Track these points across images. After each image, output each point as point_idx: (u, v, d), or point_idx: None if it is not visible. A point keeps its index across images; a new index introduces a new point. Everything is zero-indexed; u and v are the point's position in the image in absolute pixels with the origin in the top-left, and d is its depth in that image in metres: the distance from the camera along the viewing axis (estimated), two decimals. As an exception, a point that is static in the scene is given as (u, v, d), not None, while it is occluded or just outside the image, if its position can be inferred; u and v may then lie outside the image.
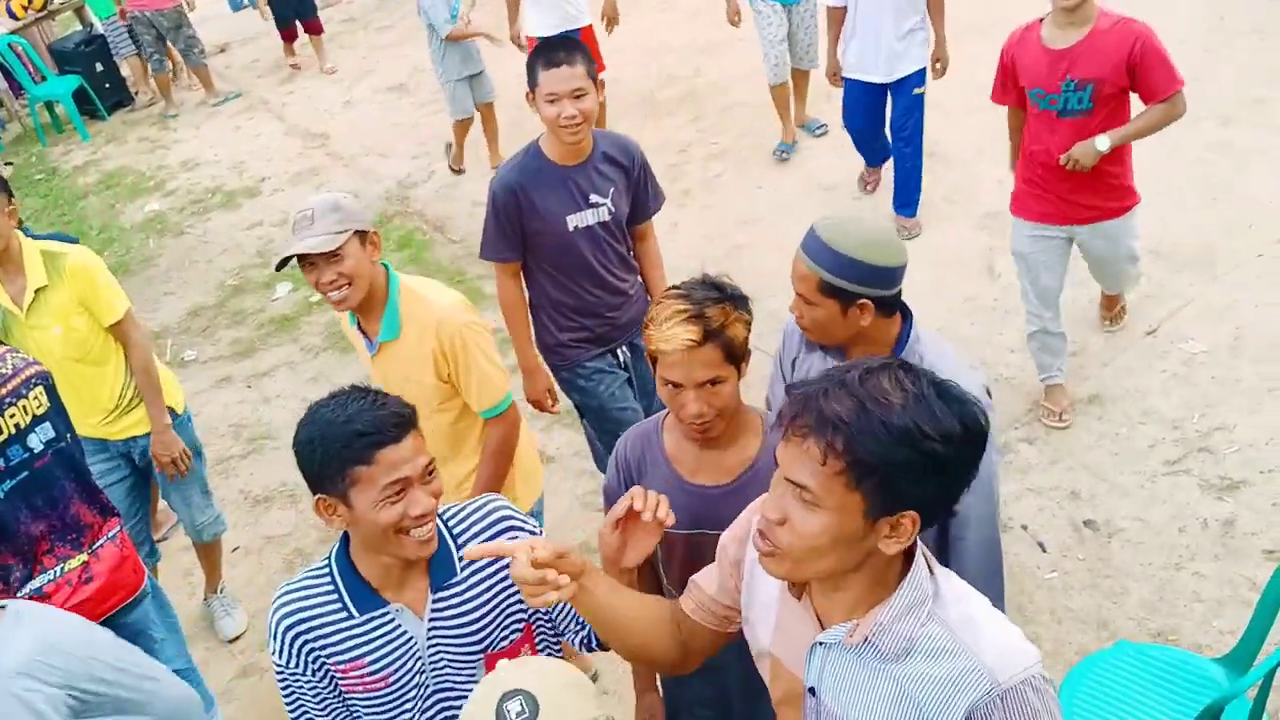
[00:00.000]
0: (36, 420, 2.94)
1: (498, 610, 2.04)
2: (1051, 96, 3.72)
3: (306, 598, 1.99)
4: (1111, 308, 4.61)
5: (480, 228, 6.88)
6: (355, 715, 2.08)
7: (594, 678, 3.40)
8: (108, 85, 10.25)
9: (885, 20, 5.13)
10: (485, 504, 2.09)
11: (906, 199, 5.62)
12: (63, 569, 3.01)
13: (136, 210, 8.18)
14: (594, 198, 3.39)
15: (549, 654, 2.14)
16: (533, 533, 2.06)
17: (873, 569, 1.48)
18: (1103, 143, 3.65)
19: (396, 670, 2.00)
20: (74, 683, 2.06)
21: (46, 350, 3.37)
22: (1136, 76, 3.60)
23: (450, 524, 2.04)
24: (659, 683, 2.56)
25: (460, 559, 2.00)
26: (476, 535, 2.03)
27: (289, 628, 1.98)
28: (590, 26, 6.26)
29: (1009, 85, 3.92)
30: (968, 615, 1.49)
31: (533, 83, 3.24)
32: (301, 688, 2.03)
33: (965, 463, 1.43)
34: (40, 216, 8.45)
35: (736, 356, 2.10)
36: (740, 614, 1.80)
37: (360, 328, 2.94)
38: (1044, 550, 3.73)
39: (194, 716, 2.37)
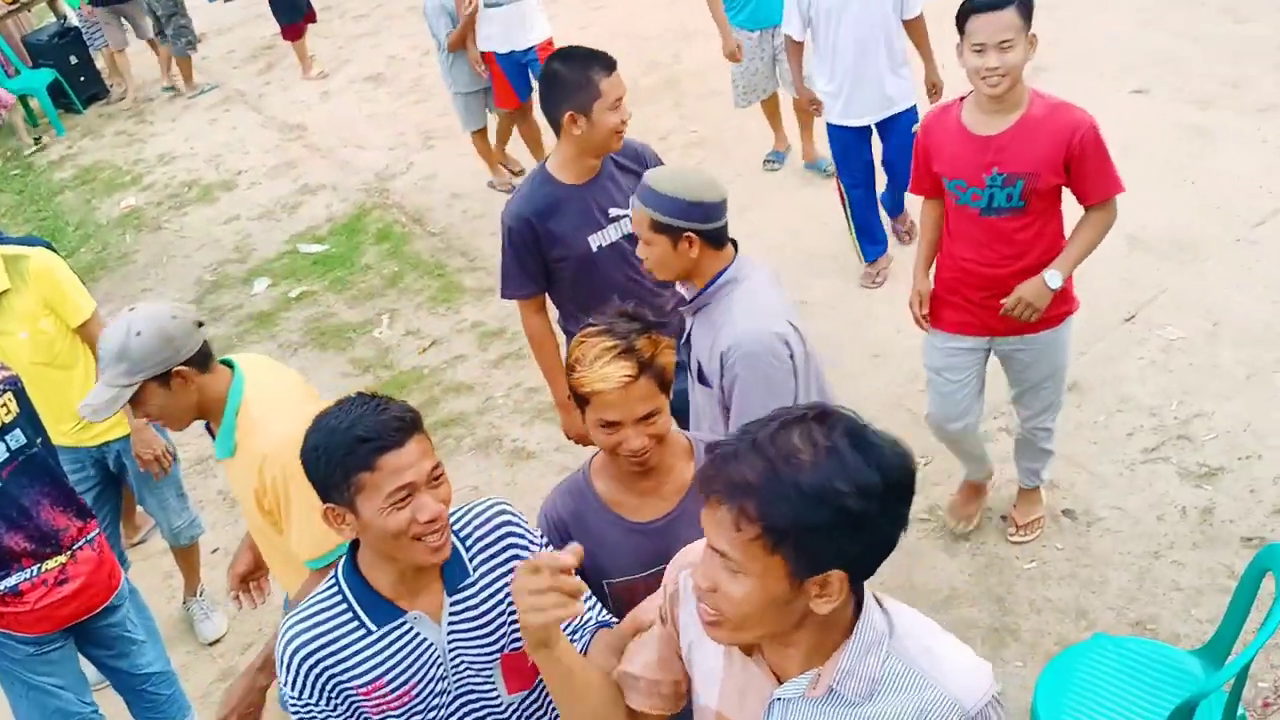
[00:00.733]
0: (5, 428, 2.92)
1: (511, 609, 1.99)
2: (975, 191, 3.11)
3: (319, 622, 1.92)
4: (1025, 514, 3.75)
5: (458, 220, 6.87)
6: None
7: None
8: (82, 78, 10.16)
9: (864, 54, 4.65)
10: (487, 505, 2.05)
11: (894, 202, 5.36)
12: (39, 569, 3.00)
13: (113, 205, 8.12)
14: (614, 211, 3.22)
15: None
16: (531, 535, 2.03)
17: (817, 621, 1.43)
18: (1054, 279, 3.09)
19: (420, 681, 1.95)
20: None
21: (13, 355, 3.34)
22: (1073, 173, 3.04)
23: (458, 527, 2.00)
24: None
25: (471, 560, 1.97)
26: (481, 537, 2.00)
27: (305, 657, 1.90)
28: (550, 40, 6.07)
29: (924, 173, 3.30)
30: (925, 646, 1.47)
31: (589, 95, 3.04)
32: None
33: (890, 514, 1.35)
34: (15, 213, 8.39)
35: (667, 384, 2.08)
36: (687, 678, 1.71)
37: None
38: (1016, 529, 3.74)
39: None
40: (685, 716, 1.73)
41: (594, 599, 2.02)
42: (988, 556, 3.72)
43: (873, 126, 4.88)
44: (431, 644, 1.94)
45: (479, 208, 6.72)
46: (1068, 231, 3.22)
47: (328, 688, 1.92)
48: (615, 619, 2.03)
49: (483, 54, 6.19)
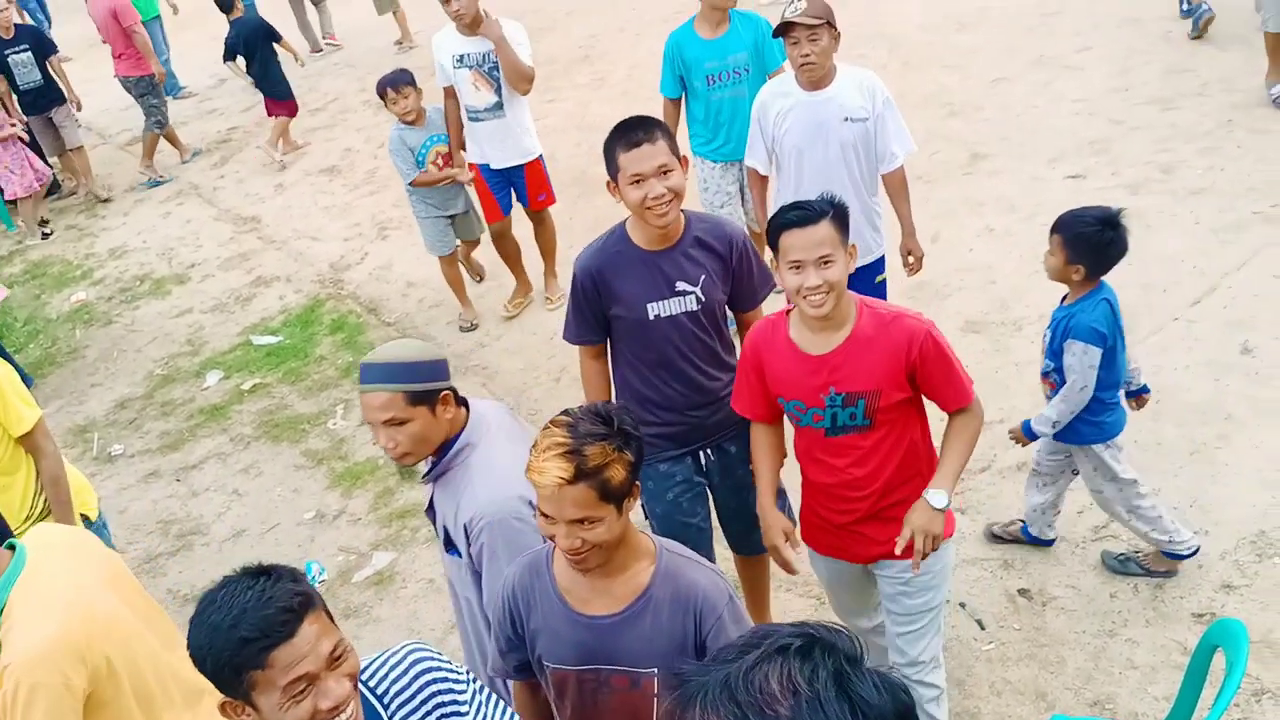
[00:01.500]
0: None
1: None
2: (816, 411, 2.79)
3: None
4: None
5: (413, 309, 6.89)
6: None
7: None
8: (33, 173, 10.11)
9: None
10: (402, 654, 1.98)
11: None
12: None
13: (63, 300, 8.05)
14: (681, 285, 3.11)
15: None
16: (454, 674, 1.98)
17: None
18: (939, 498, 2.73)
19: None
20: None
21: (-46, 462, 3.28)
22: (921, 385, 2.78)
23: (373, 685, 1.93)
24: None
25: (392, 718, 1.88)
26: (400, 692, 1.93)
27: None
28: (539, 160, 5.93)
29: (757, 396, 2.94)
30: None
31: (613, 170, 3.00)
32: None
33: None
34: (-38, 309, 8.28)
35: (615, 495, 2.04)
36: None
37: None
38: (982, 628, 3.75)
39: None
40: None
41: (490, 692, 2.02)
42: (946, 639, 3.72)
43: None
44: None
45: (435, 296, 6.75)
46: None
47: None
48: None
49: (470, 165, 6.00)
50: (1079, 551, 3.94)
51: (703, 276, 3.11)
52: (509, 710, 2.03)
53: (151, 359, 6.91)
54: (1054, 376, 3.59)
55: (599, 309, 3.19)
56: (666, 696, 1.27)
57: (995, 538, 4.05)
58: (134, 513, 5.35)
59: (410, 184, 5.97)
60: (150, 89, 9.47)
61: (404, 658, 1.98)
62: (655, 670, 2.18)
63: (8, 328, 7.72)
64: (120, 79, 9.49)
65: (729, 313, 3.32)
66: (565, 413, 2.10)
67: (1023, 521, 3.98)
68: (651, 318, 3.13)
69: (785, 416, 2.95)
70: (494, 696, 2.04)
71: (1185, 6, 7.83)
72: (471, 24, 5.51)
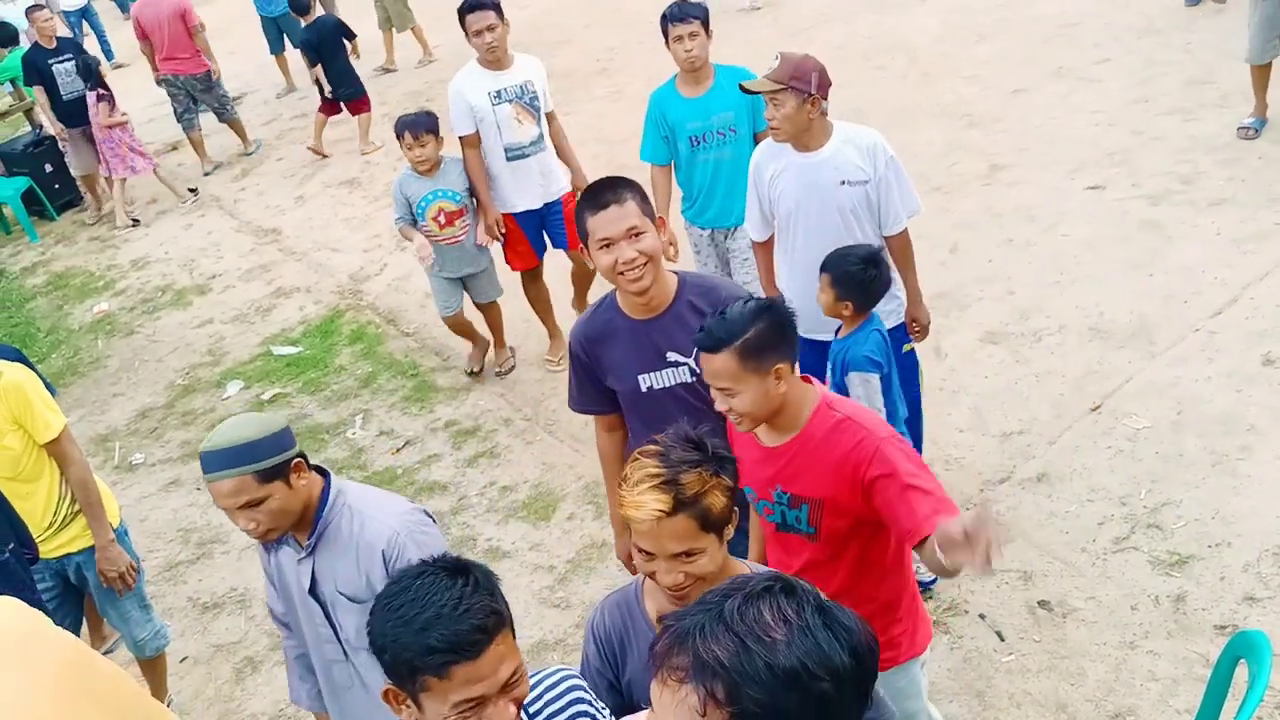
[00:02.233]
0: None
1: None
2: (766, 504, 2.66)
3: None
4: None
5: (431, 321, 6.88)
6: None
7: None
8: (57, 186, 10.24)
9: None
10: (558, 677, 1.95)
11: None
12: None
13: (86, 311, 8.12)
14: (672, 355, 2.90)
15: None
16: (598, 706, 1.93)
17: None
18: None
19: None
20: None
21: (-21, 468, 3.32)
22: (872, 505, 2.44)
23: (529, 706, 1.90)
24: None
25: None
26: (553, 715, 1.90)
27: None
28: (572, 193, 5.55)
29: None
30: None
31: (583, 234, 2.83)
32: None
33: (854, 700, 1.26)
34: (-14, 319, 8.37)
35: (716, 524, 1.95)
36: None
37: None
38: (1002, 639, 3.73)
39: None
40: None
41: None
42: (965, 651, 3.71)
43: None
44: None
45: (452, 308, 6.77)
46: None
47: None
48: None
49: (503, 216, 5.54)
50: (1099, 563, 3.92)
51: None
52: None
53: (173, 369, 6.96)
54: None
55: (597, 380, 3.05)
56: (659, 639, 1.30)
57: None
58: (155, 521, 5.39)
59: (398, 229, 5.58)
60: (212, 83, 9.99)
61: (558, 681, 1.96)
62: None
63: (31, 338, 7.79)
64: (174, 79, 9.79)
65: None
66: (653, 441, 2.00)
67: None
68: (644, 390, 2.96)
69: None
70: None
71: None
72: (503, 58, 5.27)
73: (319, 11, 9.81)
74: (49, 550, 3.60)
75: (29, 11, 9.61)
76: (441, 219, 5.40)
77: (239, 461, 2.40)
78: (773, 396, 2.43)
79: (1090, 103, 7.30)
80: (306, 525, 2.58)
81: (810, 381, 2.60)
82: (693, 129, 4.77)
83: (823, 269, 3.56)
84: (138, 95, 11.78)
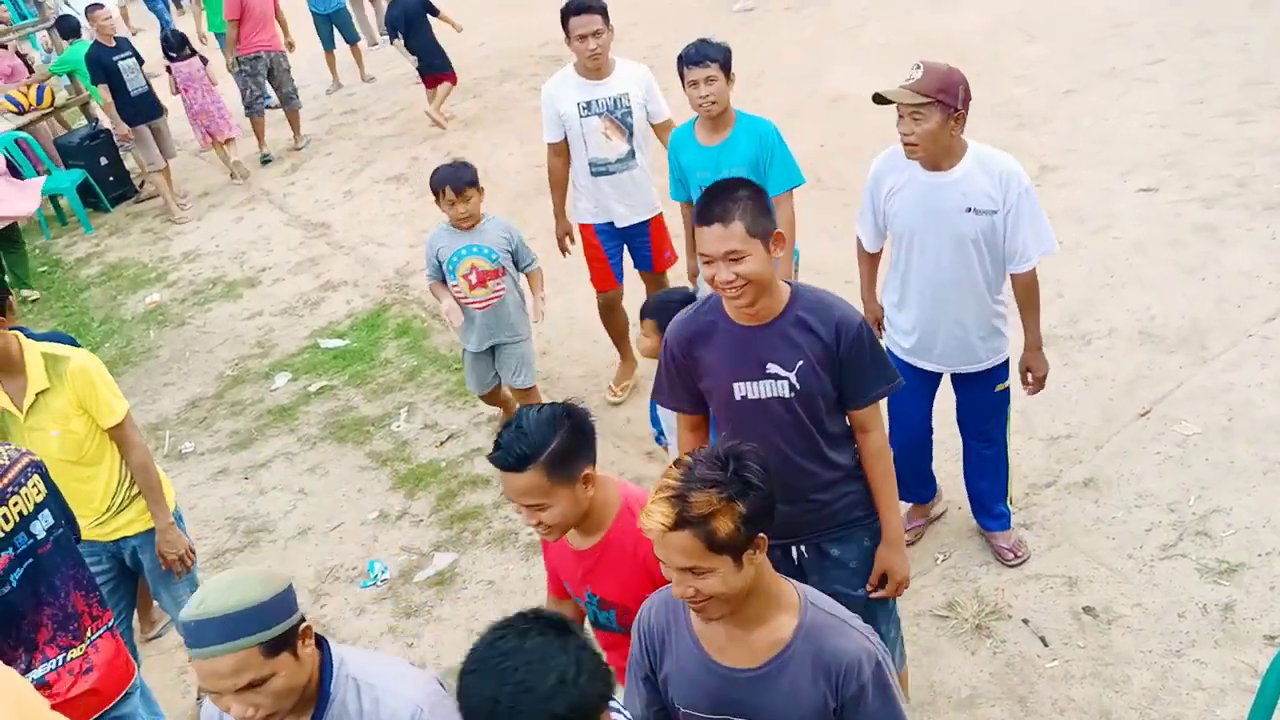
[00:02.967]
0: (39, 507, 3.00)
1: None
2: (580, 603, 2.66)
3: None
4: None
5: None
6: None
7: None
8: (112, 178, 10.46)
9: (949, 300, 3.63)
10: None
11: (993, 506, 4.07)
12: (64, 658, 3.03)
13: (138, 302, 8.27)
14: (772, 367, 2.75)
15: None
16: None
17: None
18: None
19: None
20: None
21: (43, 452, 3.39)
22: None
23: None
24: None
25: None
26: None
27: None
28: (660, 216, 5.28)
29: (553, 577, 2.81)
30: None
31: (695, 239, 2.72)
32: None
33: None
34: (42, 309, 8.56)
35: (727, 547, 1.92)
36: None
37: None
38: (1045, 644, 3.69)
39: None
40: None
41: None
42: (1009, 655, 3.68)
43: (947, 377, 3.90)
44: None
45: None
46: None
47: None
48: None
49: (580, 226, 5.31)
50: (1146, 570, 3.87)
51: (800, 362, 2.73)
52: None
53: (222, 360, 7.07)
54: (663, 440, 3.92)
55: (689, 379, 2.91)
56: None
57: None
58: (203, 509, 5.48)
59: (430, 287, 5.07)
60: (287, 62, 10.37)
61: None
62: None
63: (85, 327, 7.96)
64: (259, 57, 10.12)
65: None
66: (690, 454, 1.99)
67: None
68: (738, 398, 2.81)
69: None
70: None
71: None
72: (604, 66, 4.98)
73: None
74: (106, 533, 3.68)
75: (89, 10, 9.79)
76: (473, 277, 4.82)
77: (242, 631, 1.93)
78: (582, 502, 2.40)
79: (1144, 104, 7.20)
80: (307, 705, 2.10)
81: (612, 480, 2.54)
82: (702, 179, 4.34)
83: (643, 314, 3.60)
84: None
